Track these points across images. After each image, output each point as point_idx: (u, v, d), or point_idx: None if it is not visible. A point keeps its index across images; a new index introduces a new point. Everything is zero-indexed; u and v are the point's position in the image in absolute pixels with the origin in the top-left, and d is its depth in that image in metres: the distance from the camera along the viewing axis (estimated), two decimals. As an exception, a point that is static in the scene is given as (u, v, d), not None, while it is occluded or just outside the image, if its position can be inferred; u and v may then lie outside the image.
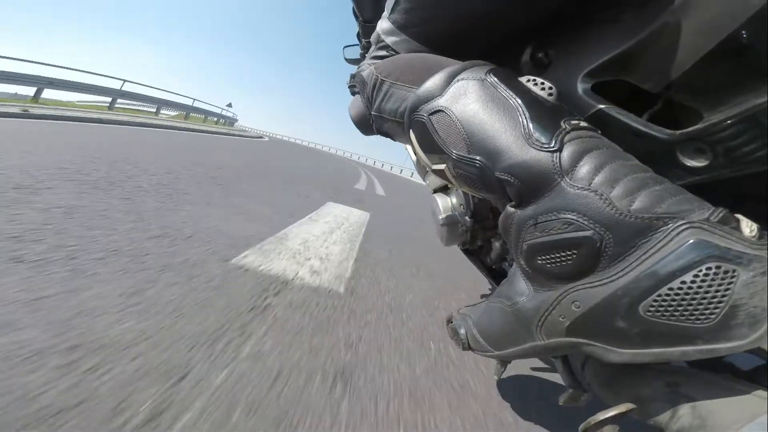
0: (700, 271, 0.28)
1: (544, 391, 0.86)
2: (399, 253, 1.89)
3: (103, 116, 5.60)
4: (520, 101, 0.42)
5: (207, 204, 1.73)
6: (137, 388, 0.55)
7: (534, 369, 0.94)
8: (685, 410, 0.32)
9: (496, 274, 0.95)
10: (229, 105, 26.31)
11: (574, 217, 0.35)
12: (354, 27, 1.21)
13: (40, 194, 1.25)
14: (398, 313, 1.10)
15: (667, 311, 0.29)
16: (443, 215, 0.94)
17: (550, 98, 0.44)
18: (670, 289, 0.29)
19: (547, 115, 0.40)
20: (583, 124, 0.40)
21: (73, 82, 9.01)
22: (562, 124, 0.39)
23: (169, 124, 7.79)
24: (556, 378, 0.90)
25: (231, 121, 24.12)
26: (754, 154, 0.33)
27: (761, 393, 0.29)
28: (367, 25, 1.05)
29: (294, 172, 4.46)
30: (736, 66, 0.34)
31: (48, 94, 7.68)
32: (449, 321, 0.58)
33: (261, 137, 20.49)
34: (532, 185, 0.38)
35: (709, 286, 0.28)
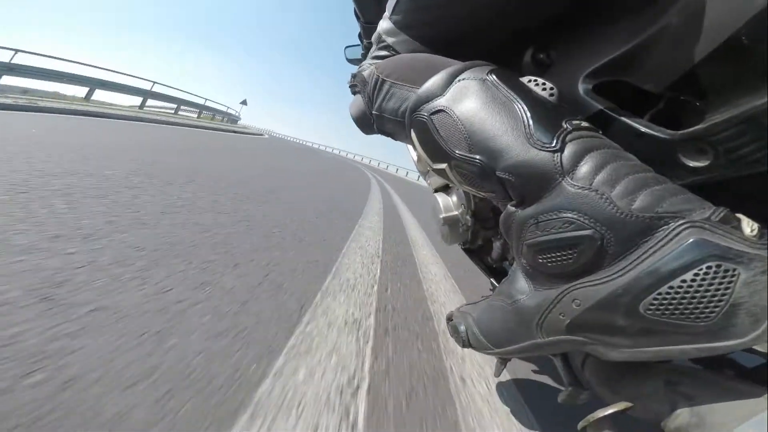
0: (701, 269, 0.29)
1: (544, 389, 0.86)
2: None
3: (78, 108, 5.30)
4: (521, 101, 0.42)
5: None
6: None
7: (533, 367, 0.94)
8: (683, 408, 0.32)
9: (497, 273, 0.95)
10: (244, 102, 25.71)
11: (575, 216, 0.35)
12: (356, 28, 1.22)
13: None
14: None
15: (667, 310, 0.30)
16: (444, 214, 0.94)
17: (551, 98, 0.44)
18: (671, 287, 0.30)
19: (548, 115, 0.41)
20: (584, 124, 0.40)
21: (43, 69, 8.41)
22: (563, 124, 0.39)
23: (152, 117, 7.36)
24: (556, 376, 0.90)
25: (233, 119, 23.59)
26: (755, 154, 0.33)
27: (760, 391, 0.30)
28: (368, 26, 1.05)
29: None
30: (738, 67, 0.35)
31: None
32: (449, 319, 0.59)
33: (261, 134, 19.86)
34: (533, 184, 0.39)
35: (710, 284, 0.28)
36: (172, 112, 13.40)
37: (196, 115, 15.78)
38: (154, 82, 12.23)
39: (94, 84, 9.44)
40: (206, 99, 17.52)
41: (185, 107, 15.05)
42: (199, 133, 6.91)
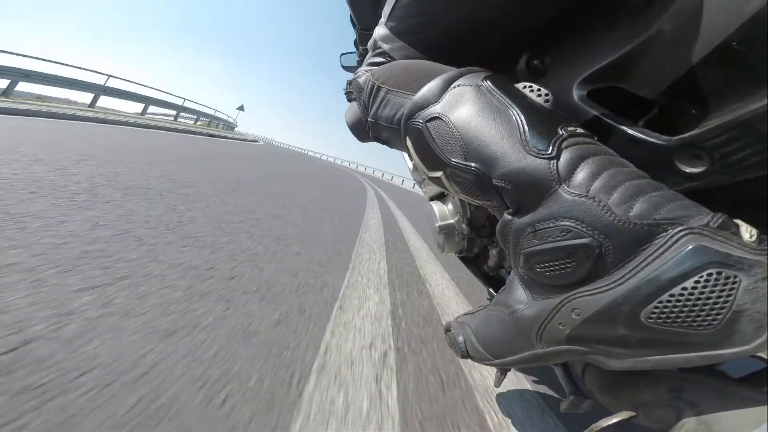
0: (701, 277, 0.28)
1: (545, 399, 0.85)
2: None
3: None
4: (516, 108, 0.42)
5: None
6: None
7: (534, 376, 0.93)
8: (689, 416, 0.31)
9: (494, 282, 0.95)
10: (241, 108, 25.07)
11: (573, 225, 0.35)
12: (351, 34, 1.22)
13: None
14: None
15: (668, 318, 0.29)
16: (440, 223, 0.94)
17: (547, 105, 0.44)
18: (671, 295, 0.29)
19: (543, 122, 0.41)
20: (580, 130, 0.40)
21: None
22: (559, 130, 0.39)
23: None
24: (557, 385, 0.89)
25: (230, 125, 22.74)
26: (750, 159, 0.33)
27: (765, 398, 0.29)
28: (364, 33, 1.06)
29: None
30: (732, 72, 0.35)
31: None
32: (447, 329, 0.58)
33: (256, 141, 19.36)
34: (530, 192, 0.38)
35: (711, 292, 0.28)
36: (138, 112, 11.25)
37: (172, 118, 13.93)
38: (109, 76, 10.28)
39: (15, 75, 7.86)
40: (185, 99, 15.05)
41: (156, 107, 12.92)
42: (148, 134, 5.14)
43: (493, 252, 0.86)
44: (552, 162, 0.37)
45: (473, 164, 0.42)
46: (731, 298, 0.27)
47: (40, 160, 1.70)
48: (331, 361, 0.73)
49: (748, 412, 0.29)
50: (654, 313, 0.30)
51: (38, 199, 1.15)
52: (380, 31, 0.64)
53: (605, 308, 0.33)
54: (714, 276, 0.28)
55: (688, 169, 0.38)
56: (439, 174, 0.47)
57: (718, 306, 0.27)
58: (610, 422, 0.35)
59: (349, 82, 0.70)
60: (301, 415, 0.56)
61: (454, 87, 0.47)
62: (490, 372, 0.85)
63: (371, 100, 0.59)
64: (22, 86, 8.14)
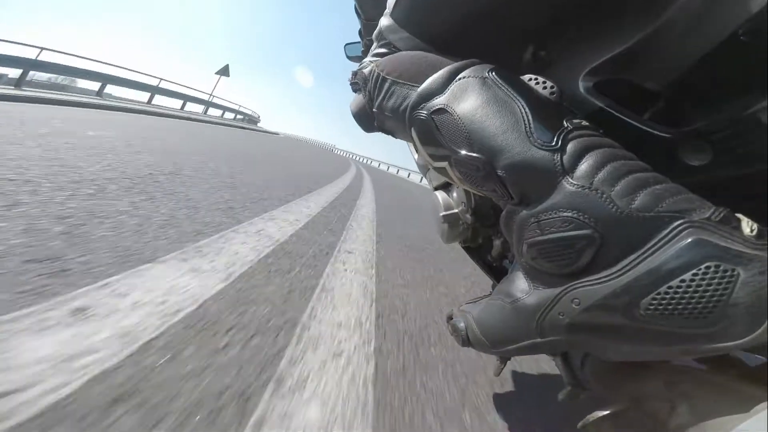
0: (700, 269, 0.28)
1: (544, 388, 0.86)
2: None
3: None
4: (521, 100, 0.42)
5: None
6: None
7: (533, 365, 0.94)
8: (683, 408, 0.32)
9: (497, 272, 0.95)
10: (224, 72, 18.58)
11: (575, 216, 0.35)
12: (356, 24, 1.21)
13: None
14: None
15: (666, 310, 0.29)
16: (444, 212, 0.94)
17: (552, 97, 0.44)
18: (670, 287, 0.29)
19: (549, 114, 0.40)
20: (584, 123, 0.40)
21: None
22: (564, 122, 0.39)
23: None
24: (556, 374, 0.90)
25: (252, 119, 22.02)
26: (754, 152, 0.33)
27: (759, 391, 0.30)
28: (369, 23, 1.05)
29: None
30: (737, 65, 0.35)
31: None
32: (449, 318, 0.59)
33: (277, 134, 20.08)
34: (534, 183, 0.39)
35: (708, 284, 0.28)
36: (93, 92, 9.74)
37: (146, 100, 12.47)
38: (42, 49, 8.54)
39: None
40: (161, 79, 13.05)
41: (115, 86, 11.16)
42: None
43: (496, 242, 0.87)
44: (556, 154, 0.37)
45: (478, 155, 0.42)
46: (728, 291, 0.27)
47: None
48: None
49: (740, 404, 0.29)
50: (652, 304, 0.30)
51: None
52: (385, 21, 0.64)
53: (605, 299, 0.33)
54: (712, 269, 0.28)
55: (692, 162, 0.38)
56: (443, 164, 0.48)
57: (714, 299, 0.28)
58: (606, 412, 0.36)
59: (354, 73, 0.70)
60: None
61: (459, 79, 0.46)
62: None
63: (376, 91, 0.59)
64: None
